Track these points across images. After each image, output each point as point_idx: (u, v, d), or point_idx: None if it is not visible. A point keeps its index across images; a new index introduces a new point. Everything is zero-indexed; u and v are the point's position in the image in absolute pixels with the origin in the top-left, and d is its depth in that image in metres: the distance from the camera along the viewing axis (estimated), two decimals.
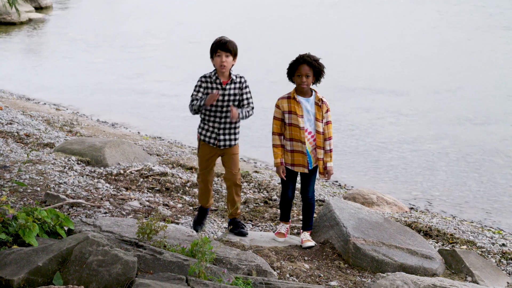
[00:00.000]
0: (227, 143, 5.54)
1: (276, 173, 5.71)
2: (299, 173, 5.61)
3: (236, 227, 5.71)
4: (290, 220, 5.84)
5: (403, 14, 23.35)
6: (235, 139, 5.59)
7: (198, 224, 5.76)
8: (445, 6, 24.32)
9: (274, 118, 5.53)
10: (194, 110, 5.46)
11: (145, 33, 20.74)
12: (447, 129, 11.00)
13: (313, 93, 5.47)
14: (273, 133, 5.55)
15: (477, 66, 15.56)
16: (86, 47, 18.63)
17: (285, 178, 5.58)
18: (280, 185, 7.74)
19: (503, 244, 6.58)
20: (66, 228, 4.80)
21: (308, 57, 5.38)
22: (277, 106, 5.51)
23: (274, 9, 24.78)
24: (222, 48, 5.41)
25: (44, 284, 3.86)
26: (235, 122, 5.54)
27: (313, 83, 5.47)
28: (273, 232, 5.90)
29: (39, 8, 25.03)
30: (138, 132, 10.85)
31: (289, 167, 5.55)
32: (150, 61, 16.80)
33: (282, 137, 5.53)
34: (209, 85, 5.47)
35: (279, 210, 6.85)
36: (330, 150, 5.51)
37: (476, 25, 20.48)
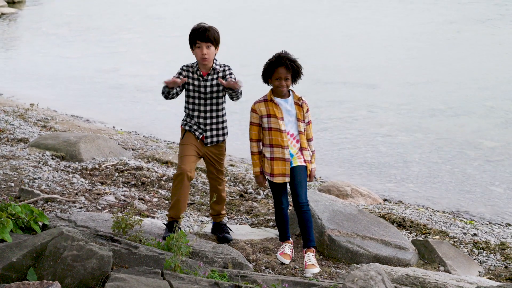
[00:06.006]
0: (214, 139, 5.12)
1: (257, 183, 5.25)
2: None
3: (221, 232, 5.41)
4: (290, 239, 5.33)
5: (377, 9, 23.48)
6: (223, 134, 5.17)
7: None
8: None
9: (251, 123, 5.06)
10: (163, 92, 4.98)
11: (119, 27, 20.60)
12: (420, 121, 11.11)
13: (291, 93, 5.08)
14: (251, 140, 5.10)
15: (449, 59, 15.73)
16: (60, 42, 18.47)
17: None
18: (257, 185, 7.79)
19: (475, 234, 6.68)
20: (40, 224, 4.78)
21: (286, 59, 4.94)
22: (253, 110, 5.04)
23: (250, 2, 24.76)
24: (202, 38, 4.92)
25: (18, 280, 3.83)
26: (222, 116, 5.12)
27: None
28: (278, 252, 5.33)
29: (11, 3, 24.75)
30: (113, 127, 10.80)
31: (269, 178, 5.07)
32: (125, 55, 16.71)
33: (261, 143, 5.12)
34: (190, 75, 5.04)
35: (254, 204, 6.90)
36: (313, 152, 5.16)
37: (448, 19, 20.69)
